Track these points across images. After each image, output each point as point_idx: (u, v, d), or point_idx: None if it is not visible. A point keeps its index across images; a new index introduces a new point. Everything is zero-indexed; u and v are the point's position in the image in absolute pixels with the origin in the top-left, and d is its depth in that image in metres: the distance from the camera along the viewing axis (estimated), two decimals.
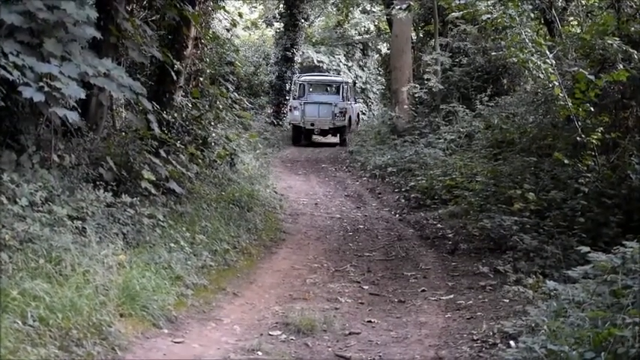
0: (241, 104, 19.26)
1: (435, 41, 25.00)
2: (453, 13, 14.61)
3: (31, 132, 9.41)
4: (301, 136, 33.39)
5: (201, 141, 15.00)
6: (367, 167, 23.15)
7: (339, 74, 40.15)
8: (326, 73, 39.63)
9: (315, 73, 38.18)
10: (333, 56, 43.00)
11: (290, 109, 34.65)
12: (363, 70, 45.22)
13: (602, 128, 11.34)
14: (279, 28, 38.46)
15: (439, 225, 14.55)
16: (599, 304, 6.67)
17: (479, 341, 7.70)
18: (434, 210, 15.86)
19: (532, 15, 15.07)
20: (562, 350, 5.90)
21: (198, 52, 16.06)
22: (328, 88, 35.19)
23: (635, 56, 11.33)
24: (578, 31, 16.16)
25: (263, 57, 41.60)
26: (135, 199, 10.06)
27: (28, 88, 8.10)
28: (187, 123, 14.64)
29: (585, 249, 7.73)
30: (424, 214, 15.87)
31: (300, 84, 34.63)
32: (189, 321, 8.21)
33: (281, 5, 38.39)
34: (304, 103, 33.10)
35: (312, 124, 32.88)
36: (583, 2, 16.61)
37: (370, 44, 45.52)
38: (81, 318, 6.75)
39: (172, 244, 9.84)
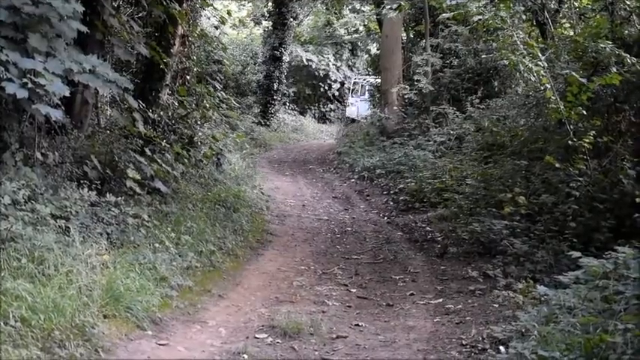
0: (228, 103, 19.15)
1: (426, 42, 24.93)
2: (444, 14, 14.53)
3: (14, 129, 9.30)
4: None
5: (187, 140, 14.93)
6: (355, 169, 23.09)
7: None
8: None
9: (372, 76, 42.28)
10: (322, 56, 43.02)
11: (347, 105, 41.11)
12: (352, 70, 45.22)
13: (594, 132, 11.27)
14: (267, 27, 38.31)
15: (428, 228, 14.52)
16: (591, 309, 6.65)
17: (468, 346, 7.64)
18: (423, 213, 15.84)
19: (524, 17, 15.02)
20: (553, 356, 5.89)
21: (186, 49, 15.97)
22: None
23: (629, 60, 11.25)
24: (571, 33, 16.11)
25: (251, 56, 41.49)
26: (119, 198, 9.97)
27: (12, 84, 7.96)
28: (173, 122, 14.55)
29: (576, 254, 7.70)
30: (413, 216, 15.84)
31: (361, 84, 39.91)
32: (174, 323, 8.11)
33: (270, 3, 38.30)
34: (359, 100, 38.30)
35: (365, 118, 36.11)
36: (576, 4, 16.53)
37: (359, 44, 45.51)
38: (64, 319, 6.65)
39: (157, 245, 9.76)
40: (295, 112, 41.95)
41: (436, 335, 8.19)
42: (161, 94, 14.68)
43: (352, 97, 40.48)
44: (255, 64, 40.18)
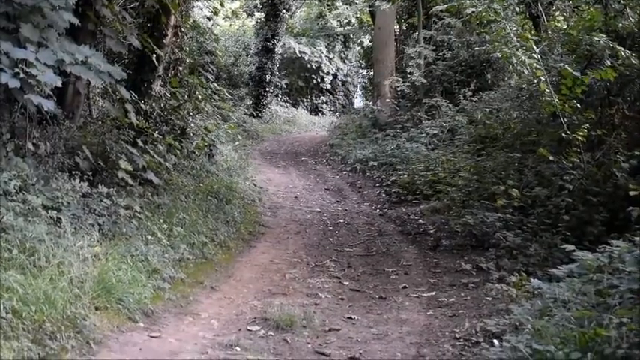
0: (221, 95, 19.12)
1: (419, 34, 24.90)
2: (438, 6, 14.53)
3: (6, 119, 9.27)
4: None
5: (179, 131, 14.89)
6: (348, 161, 23.05)
7: None
8: None
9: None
10: (315, 48, 42.87)
11: (355, 97, 44.89)
12: (344, 62, 45.10)
13: (587, 125, 11.26)
14: (259, 18, 38.13)
15: (421, 221, 14.50)
16: (585, 303, 6.62)
17: (461, 339, 7.62)
18: (415, 205, 15.82)
19: (517, 9, 14.98)
20: (547, 350, 5.84)
21: (178, 40, 15.91)
22: None
23: (622, 53, 11.24)
24: (565, 26, 16.10)
25: (243, 47, 41.33)
26: (111, 189, 9.91)
27: (4, 74, 7.91)
28: (166, 113, 14.51)
29: (570, 247, 7.69)
30: (405, 209, 15.81)
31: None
32: (166, 315, 8.08)
33: None
34: None
35: None
36: None
37: (352, 36, 45.41)
38: (55, 311, 6.61)
39: (149, 236, 9.74)
40: (287, 104, 41.78)
41: (429, 328, 8.17)
42: (153, 85, 14.63)
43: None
44: (247, 55, 40.01)
